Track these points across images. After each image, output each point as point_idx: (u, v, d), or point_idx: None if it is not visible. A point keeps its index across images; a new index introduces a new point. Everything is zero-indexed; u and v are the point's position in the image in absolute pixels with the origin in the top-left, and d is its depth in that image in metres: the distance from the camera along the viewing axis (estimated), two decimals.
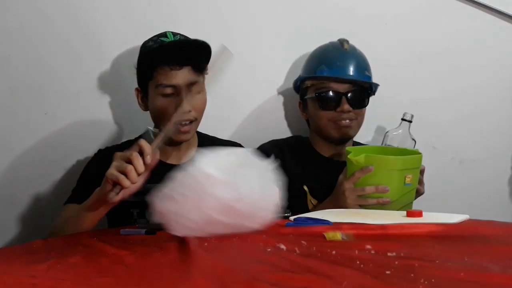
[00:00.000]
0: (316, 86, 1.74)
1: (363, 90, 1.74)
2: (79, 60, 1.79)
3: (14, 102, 1.77)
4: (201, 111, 1.57)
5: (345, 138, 1.74)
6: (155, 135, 1.29)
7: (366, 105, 1.75)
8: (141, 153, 1.20)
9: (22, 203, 1.79)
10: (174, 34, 1.57)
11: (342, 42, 1.78)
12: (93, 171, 1.58)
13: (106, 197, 1.23)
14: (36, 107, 1.78)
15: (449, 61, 1.99)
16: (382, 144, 1.70)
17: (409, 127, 1.71)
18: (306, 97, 1.77)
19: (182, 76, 1.51)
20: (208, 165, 1.09)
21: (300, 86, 1.80)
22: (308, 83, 1.76)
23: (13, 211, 1.79)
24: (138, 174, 1.19)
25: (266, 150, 1.68)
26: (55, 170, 1.79)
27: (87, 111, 1.81)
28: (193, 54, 1.53)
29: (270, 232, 1.15)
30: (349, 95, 1.70)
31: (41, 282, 0.88)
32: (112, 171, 1.19)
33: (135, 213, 1.55)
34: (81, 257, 1.02)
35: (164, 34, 1.57)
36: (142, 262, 0.97)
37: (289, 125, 1.95)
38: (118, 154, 1.21)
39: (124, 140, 1.79)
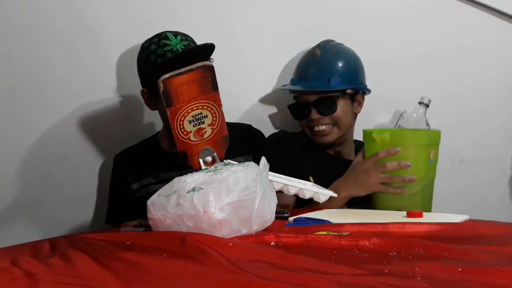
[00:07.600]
0: (292, 96, 1.79)
1: (331, 97, 1.72)
2: (79, 60, 1.79)
3: (14, 102, 1.77)
4: None
5: (325, 143, 1.75)
6: None
7: (335, 111, 1.71)
8: None
9: (22, 203, 1.79)
10: (175, 34, 1.57)
11: (315, 48, 1.79)
12: (120, 182, 1.62)
13: None
14: (36, 107, 1.78)
15: (449, 61, 1.99)
16: (395, 125, 1.69)
17: (426, 111, 1.69)
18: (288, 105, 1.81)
19: None
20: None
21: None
22: None
23: (13, 211, 1.79)
24: None
25: (278, 139, 1.77)
26: (55, 170, 1.79)
27: (87, 111, 1.81)
28: (200, 60, 1.53)
29: (270, 232, 1.15)
30: (316, 104, 1.71)
31: (41, 280, 0.88)
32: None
33: None
34: (82, 255, 1.02)
35: (165, 36, 1.56)
36: (142, 260, 0.97)
37: (286, 124, 1.95)
38: None
39: (132, 140, 1.78)
